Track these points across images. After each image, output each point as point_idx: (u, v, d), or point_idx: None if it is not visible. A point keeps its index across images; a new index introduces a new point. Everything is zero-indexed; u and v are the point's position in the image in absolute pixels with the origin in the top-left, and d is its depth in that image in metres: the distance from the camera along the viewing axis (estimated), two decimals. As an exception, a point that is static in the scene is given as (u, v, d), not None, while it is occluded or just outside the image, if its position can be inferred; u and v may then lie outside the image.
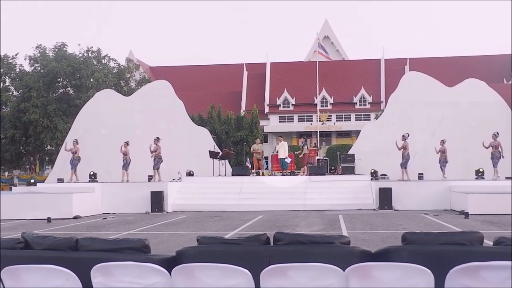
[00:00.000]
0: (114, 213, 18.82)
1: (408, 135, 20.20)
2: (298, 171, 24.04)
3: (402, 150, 20.09)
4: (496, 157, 19.94)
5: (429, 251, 3.76)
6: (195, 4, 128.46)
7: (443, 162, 20.59)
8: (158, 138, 20.83)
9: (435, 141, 21.37)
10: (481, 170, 20.54)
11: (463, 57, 61.87)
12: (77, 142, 21.58)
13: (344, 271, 3.41)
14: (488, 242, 4.27)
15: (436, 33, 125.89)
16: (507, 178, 19.94)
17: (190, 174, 22.36)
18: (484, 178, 20.23)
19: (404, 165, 20.16)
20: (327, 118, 54.23)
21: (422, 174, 20.86)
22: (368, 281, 3.39)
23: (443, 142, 20.66)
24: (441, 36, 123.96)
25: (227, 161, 24.68)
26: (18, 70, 40.04)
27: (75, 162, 21.12)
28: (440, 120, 23.85)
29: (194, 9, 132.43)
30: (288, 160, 22.87)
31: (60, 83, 39.63)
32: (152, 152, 20.63)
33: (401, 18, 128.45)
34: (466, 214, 15.71)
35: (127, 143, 20.89)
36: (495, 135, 20.07)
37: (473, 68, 53.75)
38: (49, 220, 16.10)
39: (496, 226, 13.17)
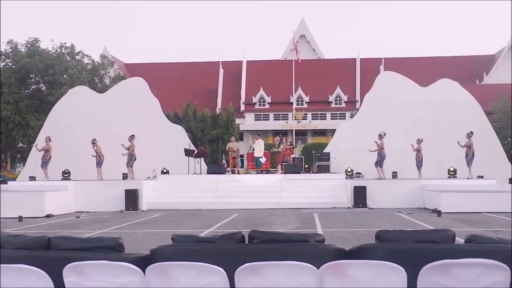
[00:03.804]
0: (88, 212, 18.60)
1: (385, 134, 20.41)
2: (275, 169, 24.09)
3: (378, 149, 20.29)
4: (469, 157, 20.31)
5: (403, 249, 3.80)
6: (171, 1, 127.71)
7: (419, 161, 20.85)
8: (133, 135, 20.72)
9: (410, 141, 21.63)
10: (452, 169, 20.87)
11: (437, 57, 62.82)
12: (49, 139, 21.26)
13: (318, 269, 3.42)
14: (459, 240, 4.34)
15: (410, 33, 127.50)
16: (479, 177, 20.31)
17: (165, 172, 22.23)
18: (456, 177, 20.58)
19: (379, 163, 20.36)
20: (303, 117, 54.46)
21: (396, 173, 21.09)
22: (343, 279, 3.40)
23: (419, 141, 20.90)
24: (415, 36, 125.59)
25: (202, 159, 24.62)
26: (-12, 66, 39.25)
27: (45, 160, 20.79)
28: (415, 119, 24.14)
29: (170, 6, 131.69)
30: (263, 160, 22.92)
31: (33, 79, 38.95)
32: (126, 150, 20.47)
33: (376, 18, 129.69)
34: (438, 213, 15.96)
35: (94, 142, 20.71)
36: (469, 135, 20.43)
37: (446, 69, 54.57)
38: (20, 218, 15.82)
39: (467, 224, 13.39)
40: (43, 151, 21.01)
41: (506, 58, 61.00)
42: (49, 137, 21.53)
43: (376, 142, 20.17)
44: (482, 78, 59.89)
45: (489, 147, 23.28)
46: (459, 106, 24.24)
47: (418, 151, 20.89)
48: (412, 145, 20.92)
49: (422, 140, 20.92)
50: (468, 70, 59.74)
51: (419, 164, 20.85)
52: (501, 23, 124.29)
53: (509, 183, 19.91)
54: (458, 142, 20.44)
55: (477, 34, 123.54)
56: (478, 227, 12.66)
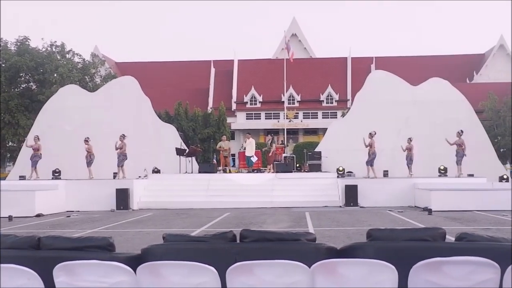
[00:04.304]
0: (78, 211, 18.51)
1: (375, 133, 20.48)
2: (265, 168, 24.09)
3: (368, 147, 20.37)
4: (459, 155, 20.42)
5: (394, 247, 3.81)
6: (162, 1, 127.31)
7: (409, 159, 20.94)
8: (123, 135, 20.65)
9: (401, 139, 21.72)
10: (442, 167, 20.96)
11: (428, 57, 63.04)
12: (38, 138, 21.14)
13: (310, 267, 3.43)
14: (450, 238, 4.36)
15: (401, 32, 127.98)
16: (469, 175, 20.43)
17: (156, 171, 22.16)
18: (447, 175, 20.69)
19: (370, 162, 20.44)
20: (294, 116, 54.49)
21: (387, 171, 21.17)
22: (334, 278, 3.41)
23: (410, 140, 21.01)
24: (406, 35, 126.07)
25: (194, 158, 24.57)
26: (-22, 64, 38.87)
27: (35, 158, 20.71)
28: (406, 118, 24.24)
29: (162, 6, 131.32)
30: (254, 159, 22.91)
31: (23, 78, 38.64)
32: (117, 149, 20.40)
33: (368, 17, 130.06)
34: (429, 211, 16.05)
35: (87, 140, 20.63)
36: (459, 133, 20.55)
37: (437, 68, 54.80)
38: (10, 218, 15.73)
39: (458, 222, 13.47)
40: (32, 150, 20.88)
41: (496, 57, 61.40)
42: (37, 136, 21.41)
43: (364, 142, 20.25)
44: (473, 77, 60.20)
45: (480, 146, 23.41)
46: (450, 105, 24.36)
47: (409, 149, 21.00)
48: (401, 146, 21.03)
49: (412, 139, 21.03)
50: (459, 69, 60.02)
51: (409, 162, 20.96)
52: (491, 22, 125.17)
53: (499, 181, 20.07)
54: (446, 139, 20.55)
55: (468, 33, 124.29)
56: (468, 225, 12.74)
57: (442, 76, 27.87)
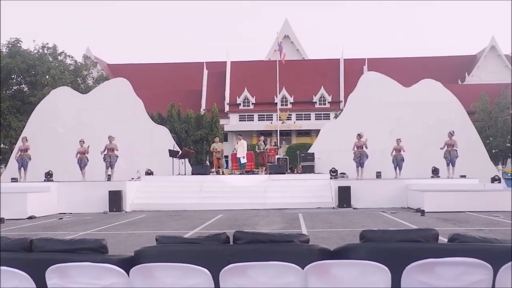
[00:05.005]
0: (71, 213, 18.43)
1: (363, 135, 20.55)
2: (258, 170, 24.09)
3: (355, 149, 20.47)
4: (454, 155, 20.49)
5: (387, 249, 3.82)
6: (155, 2, 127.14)
7: (399, 160, 20.99)
8: (111, 136, 20.66)
9: (393, 140, 21.77)
10: (433, 168, 21.04)
11: (419, 58, 63.31)
12: (26, 139, 21.02)
13: (303, 269, 3.43)
14: (443, 239, 4.37)
15: (393, 34, 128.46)
16: (462, 176, 20.51)
17: (149, 173, 22.12)
18: (439, 176, 20.77)
19: (361, 164, 20.49)
20: (287, 117, 54.53)
21: (380, 172, 21.21)
22: (327, 279, 3.41)
23: (399, 140, 21.06)
24: (398, 37, 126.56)
25: (187, 160, 24.54)
26: (-31, 66, 38.62)
27: (26, 160, 20.55)
28: (398, 119, 24.31)
29: (154, 7, 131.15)
30: (244, 160, 22.87)
31: (14, 80, 38.45)
32: (108, 150, 20.38)
33: (360, 19, 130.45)
34: (422, 212, 16.10)
35: (82, 141, 20.58)
36: (451, 134, 20.63)
37: (429, 69, 55.04)
38: (2, 220, 15.65)
39: (450, 223, 13.51)
40: (20, 152, 20.70)
41: (487, 58, 61.77)
42: (25, 137, 21.32)
43: (364, 148, 20.35)
44: (464, 78, 60.52)
45: (471, 147, 23.52)
46: (442, 106, 24.46)
47: (397, 150, 21.03)
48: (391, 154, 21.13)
49: (401, 140, 21.08)
50: (450, 70, 60.30)
51: (399, 163, 20.99)
52: (483, 23, 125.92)
53: (491, 182, 20.16)
54: (440, 148, 20.66)
55: (459, 34, 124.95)
56: (461, 226, 12.79)
57: (434, 77, 27.99)
